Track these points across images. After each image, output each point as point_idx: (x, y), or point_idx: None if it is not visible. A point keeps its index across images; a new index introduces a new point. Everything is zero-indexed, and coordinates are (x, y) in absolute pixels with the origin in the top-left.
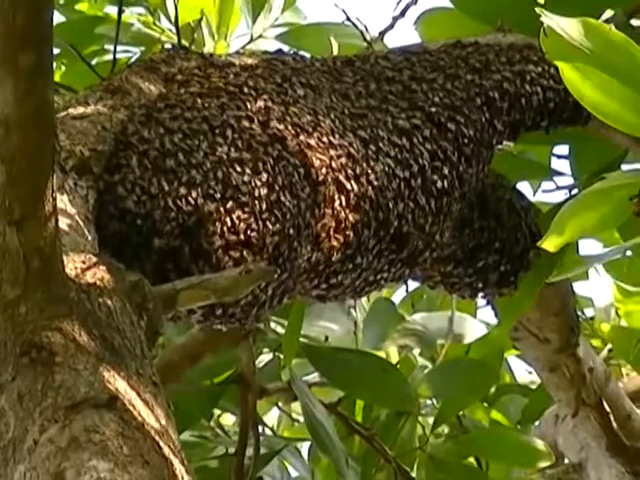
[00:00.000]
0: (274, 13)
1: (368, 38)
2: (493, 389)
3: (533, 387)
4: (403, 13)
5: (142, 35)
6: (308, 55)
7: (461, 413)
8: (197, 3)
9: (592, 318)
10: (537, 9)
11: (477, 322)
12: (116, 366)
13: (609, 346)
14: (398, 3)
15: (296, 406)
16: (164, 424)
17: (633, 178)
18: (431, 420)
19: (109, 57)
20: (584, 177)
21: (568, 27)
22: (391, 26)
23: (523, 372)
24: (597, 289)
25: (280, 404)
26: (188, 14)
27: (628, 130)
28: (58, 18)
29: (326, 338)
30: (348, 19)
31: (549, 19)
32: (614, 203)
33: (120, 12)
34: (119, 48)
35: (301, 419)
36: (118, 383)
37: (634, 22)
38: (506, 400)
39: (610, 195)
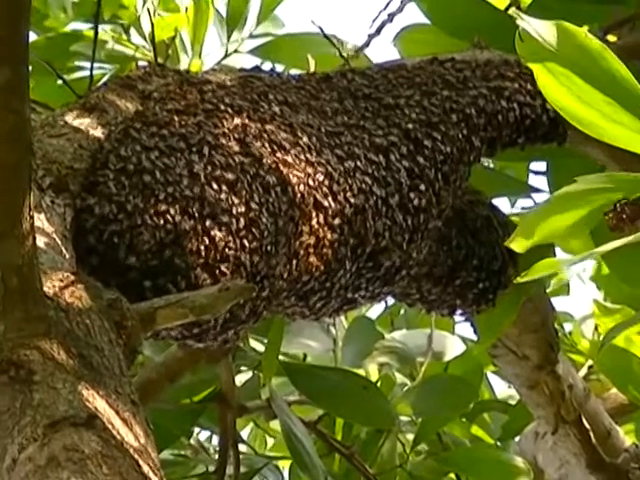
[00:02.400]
0: (249, 25)
1: (344, 54)
2: (472, 405)
3: (512, 402)
4: (379, 31)
5: (116, 52)
6: (284, 68)
7: (441, 430)
8: (171, 21)
9: (571, 333)
10: (512, 10)
11: (456, 339)
12: (95, 384)
13: (589, 362)
14: (374, 21)
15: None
16: (143, 442)
17: (605, 183)
18: (411, 437)
19: (80, 74)
20: None
21: (543, 30)
22: (367, 44)
23: (502, 386)
24: (577, 305)
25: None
26: (162, 32)
27: (600, 137)
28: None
29: (304, 356)
30: (325, 36)
31: (525, 22)
32: (585, 207)
33: (97, 29)
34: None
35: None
36: (97, 402)
37: (610, 38)
38: (486, 416)
39: (581, 199)
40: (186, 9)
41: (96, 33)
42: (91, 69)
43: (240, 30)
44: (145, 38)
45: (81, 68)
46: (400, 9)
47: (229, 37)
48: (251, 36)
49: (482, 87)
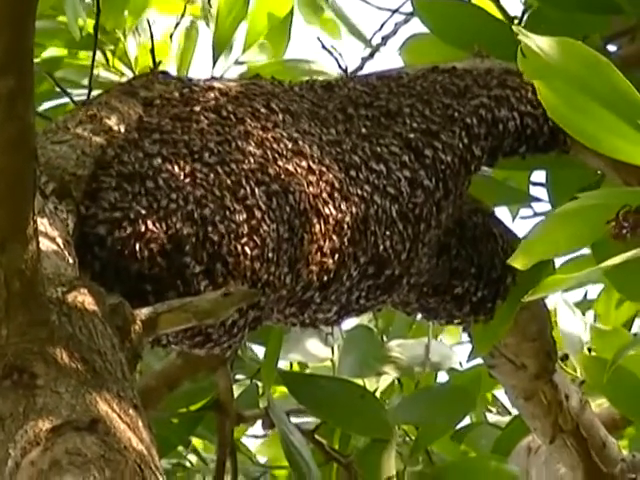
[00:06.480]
0: (235, 53)
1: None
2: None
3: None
4: (372, 54)
5: (101, 79)
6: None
7: (430, 449)
8: (159, 48)
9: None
10: (514, 27)
11: (454, 349)
12: (98, 389)
13: (580, 378)
14: (365, 48)
15: None
16: (146, 447)
17: (606, 198)
18: (407, 449)
19: (62, 100)
20: (561, 203)
21: (545, 46)
22: (361, 67)
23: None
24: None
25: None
26: (148, 59)
27: (603, 150)
28: None
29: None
30: (324, 47)
31: (527, 38)
32: (586, 222)
33: (94, 56)
34: (77, 92)
35: None
36: (100, 406)
37: (610, 48)
38: (477, 434)
39: (582, 214)
40: (171, 35)
41: (94, 59)
42: (88, 94)
43: (226, 57)
44: (131, 65)
45: (61, 95)
46: (394, 32)
47: (215, 63)
48: (237, 62)
49: (483, 96)
